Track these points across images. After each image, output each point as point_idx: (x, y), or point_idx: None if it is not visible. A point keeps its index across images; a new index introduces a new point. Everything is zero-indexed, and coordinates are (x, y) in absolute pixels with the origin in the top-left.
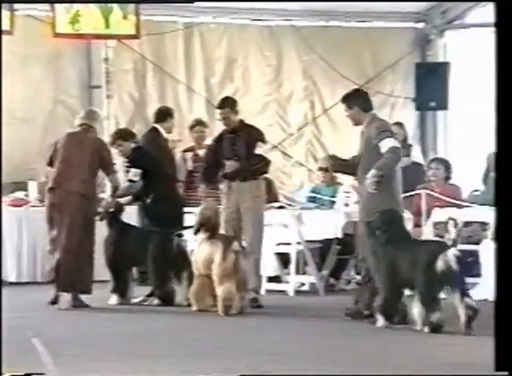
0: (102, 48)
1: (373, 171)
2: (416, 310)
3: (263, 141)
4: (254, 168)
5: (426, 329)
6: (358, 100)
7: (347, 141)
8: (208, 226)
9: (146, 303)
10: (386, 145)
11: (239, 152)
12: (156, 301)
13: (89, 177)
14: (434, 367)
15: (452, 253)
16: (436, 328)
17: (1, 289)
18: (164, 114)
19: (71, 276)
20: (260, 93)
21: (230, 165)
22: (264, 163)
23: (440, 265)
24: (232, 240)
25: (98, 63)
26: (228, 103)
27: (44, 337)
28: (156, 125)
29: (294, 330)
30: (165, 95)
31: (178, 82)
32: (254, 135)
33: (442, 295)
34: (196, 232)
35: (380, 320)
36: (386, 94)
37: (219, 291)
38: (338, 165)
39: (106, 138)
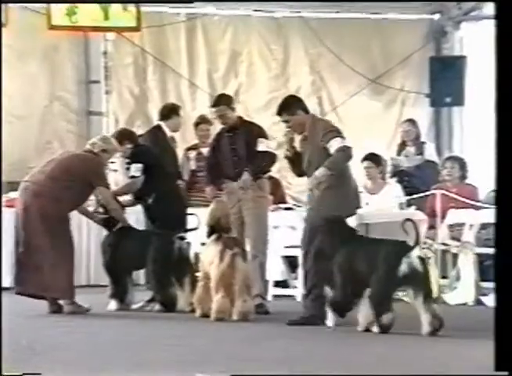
0: (100, 42)
1: (321, 170)
2: (364, 311)
3: (265, 137)
4: (257, 167)
5: (375, 329)
6: (298, 104)
7: (357, 139)
8: (218, 228)
9: (147, 309)
10: (334, 145)
11: (239, 151)
12: (157, 306)
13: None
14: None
15: (415, 254)
16: (386, 329)
17: (1, 292)
18: (168, 111)
19: (41, 280)
20: (265, 88)
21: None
22: (267, 161)
23: (403, 267)
24: (233, 242)
25: (96, 57)
26: (223, 100)
27: (36, 344)
28: (161, 123)
29: (302, 338)
30: (167, 91)
31: (181, 77)
32: (254, 132)
33: (407, 299)
34: (209, 234)
35: (332, 318)
36: (397, 89)
37: (214, 299)
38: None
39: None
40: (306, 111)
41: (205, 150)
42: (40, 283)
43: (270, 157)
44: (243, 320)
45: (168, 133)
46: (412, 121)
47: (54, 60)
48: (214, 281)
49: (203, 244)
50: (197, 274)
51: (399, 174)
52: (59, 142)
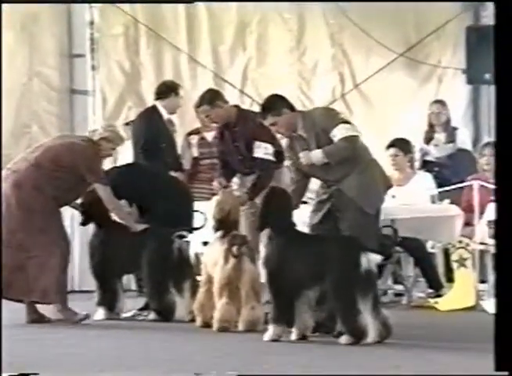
0: (85, 10)
1: (317, 153)
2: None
3: (263, 139)
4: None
5: (344, 340)
6: (282, 102)
7: (383, 121)
8: (226, 222)
9: (139, 318)
10: (338, 134)
11: (242, 150)
12: (152, 315)
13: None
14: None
15: (367, 252)
16: (360, 336)
17: (1, 292)
18: (165, 90)
19: (24, 282)
20: (278, 64)
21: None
22: (263, 174)
23: (363, 267)
24: (240, 240)
25: (81, 27)
26: (204, 100)
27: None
28: (156, 103)
29: (315, 353)
30: (163, 67)
31: (179, 51)
32: (249, 132)
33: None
34: (217, 229)
35: (271, 331)
36: (432, 65)
37: (217, 305)
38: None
39: (91, 116)
40: (292, 109)
41: (209, 135)
42: (22, 286)
43: (266, 169)
44: (251, 330)
45: (165, 115)
46: (442, 103)
47: (32, 32)
48: (218, 285)
49: (204, 243)
50: (198, 278)
51: (428, 165)
52: (38, 125)
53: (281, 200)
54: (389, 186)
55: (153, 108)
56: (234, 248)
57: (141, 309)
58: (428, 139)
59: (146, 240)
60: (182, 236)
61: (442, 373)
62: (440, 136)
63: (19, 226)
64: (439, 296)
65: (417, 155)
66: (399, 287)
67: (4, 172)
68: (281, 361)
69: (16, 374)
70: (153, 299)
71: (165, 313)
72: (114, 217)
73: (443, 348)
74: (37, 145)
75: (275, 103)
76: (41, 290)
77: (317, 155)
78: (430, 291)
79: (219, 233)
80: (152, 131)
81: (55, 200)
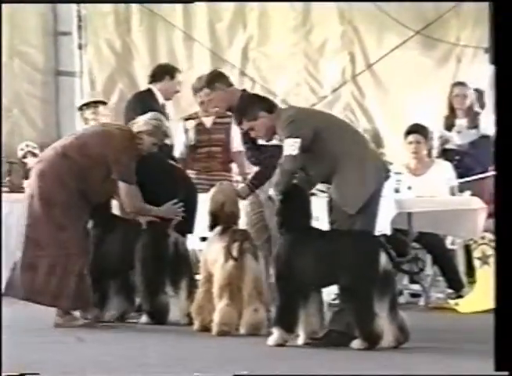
0: None
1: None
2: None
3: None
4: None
5: (356, 344)
6: (259, 104)
7: (397, 105)
8: (222, 216)
9: (130, 321)
10: (285, 151)
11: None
12: (144, 318)
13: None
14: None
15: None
16: (376, 341)
17: (1, 291)
18: (159, 72)
19: (33, 281)
20: (282, 43)
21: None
22: (263, 168)
23: (381, 266)
24: (241, 236)
25: (67, 3)
26: (204, 83)
27: None
28: (151, 86)
29: (323, 359)
30: (156, 46)
31: (174, 28)
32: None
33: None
34: (212, 226)
35: (276, 334)
36: (451, 43)
37: (217, 307)
38: None
39: (78, 100)
40: (270, 110)
41: (208, 121)
42: (28, 285)
43: (271, 159)
44: (253, 334)
45: (161, 100)
46: (464, 85)
47: (14, 7)
48: (218, 285)
49: (203, 239)
50: (197, 277)
51: (448, 153)
52: (20, 108)
53: (300, 199)
54: (387, 177)
55: (149, 91)
56: (234, 247)
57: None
58: (449, 125)
59: (139, 235)
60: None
61: None
62: (462, 122)
63: (38, 220)
64: (460, 297)
65: (436, 142)
66: (416, 287)
67: (33, 162)
68: (286, 367)
69: (15, 374)
70: (146, 300)
71: (158, 315)
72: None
73: (464, 353)
74: (71, 133)
75: (250, 106)
76: (51, 292)
77: (272, 194)
78: (450, 291)
79: (218, 229)
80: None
81: (79, 194)
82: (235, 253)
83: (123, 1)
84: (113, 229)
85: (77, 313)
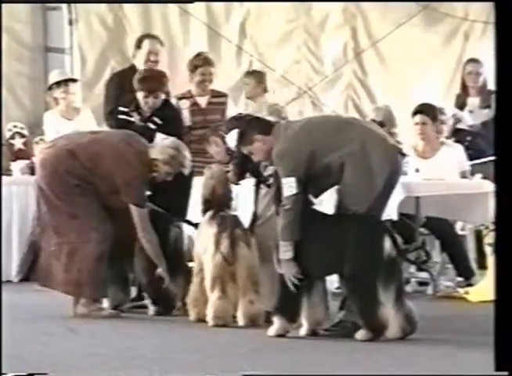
0: None
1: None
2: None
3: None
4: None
5: (360, 335)
6: (255, 127)
7: (402, 84)
8: (213, 200)
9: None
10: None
11: None
12: (152, 308)
13: None
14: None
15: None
16: (380, 331)
17: (1, 289)
18: (138, 42)
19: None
20: (280, 18)
21: None
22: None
23: (386, 252)
24: (232, 222)
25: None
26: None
27: None
28: (135, 62)
29: (326, 350)
30: (151, 21)
31: (168, 2)
32: None
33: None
34: (204, 211)
35: (276, 324)
36: (458, 18)
37: (209, 300)
38: None
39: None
40: (266, 131)
41: (202, 100)
42: (56, 274)
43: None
44: (251, 326)
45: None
46: (478, 62)
47: None
48: (209, 277)
49: (196, 224)
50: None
51: (459, 133)
52: (6, 87)
53: None
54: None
55: (132, 68)
56: (224, 236)
57: (133, 300)
58: (460, 104)
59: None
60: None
61: (476, 373)
62: (474, 101)
63: (53, 208)
64: (470, 285)
65: (450, 122)
66: (424, 275)
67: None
68: (287, 359)
69: (23, 374)
70: (150, 290)
71: (164, 304)
72: None
73: (474, 344)
74: (86, 131)
75: (245, 130)
76: (74, 281)
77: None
78: (460, 279)
79: (208, 214)
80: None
81: (83, 187)
82: (225, 243)
83: (122, 1)
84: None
85: (103, 303)
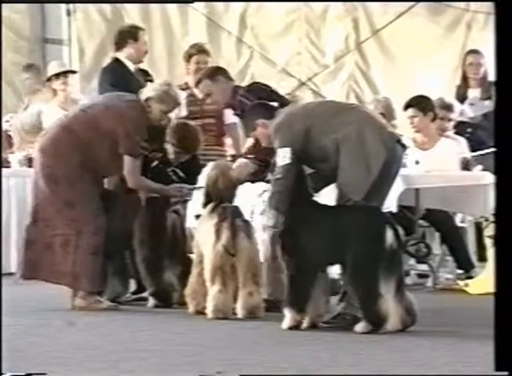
0: None
1: None
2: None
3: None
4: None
5: (360, 327)
6: (257, 111)
7: (404, 75)
8: (215, 193)
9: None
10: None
11: None
12: (151, 300)
13: None
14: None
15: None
16: (381, 323)
17: (1, 287)
18: (123, 38)
19: (51, 261)
20: (281, 8)
21: None
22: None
23: (388, 243)
24: (233, 213)
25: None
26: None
27: None
28: (117, 55)
29: (325, 341)
30: (149, 11)
31: (168, 2)
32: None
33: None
34: (205, 203)
35: (288, 317)
36: (460, 8)
37: (209, 293)
38: None
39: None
40: (270, 116)
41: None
42: (50, 267)
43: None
44: (251, 318)
45: (131, 66)
46: (478, 53)
47: None
48: (209, 268)
49: (197, 216)
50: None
51: (459, 126)
52: (5, 78)
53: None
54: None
55: (116, 60)
56: (225, 226)
57: (134, 293)
58: (461, 95)
59: (136, 212)
60: (177, 212)
61: (476, 366)
62: (475, 92)
63: (46, 199)
64: (470, 277)
65: (455, 115)
66: (424, 267)
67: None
68: (287, 352)
69: (22, 374)
70: (149, 282)
71: (164, 296)
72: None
73: (475, 336)
74: (79, 105)
75: (247, 116)
76: (70, 273)
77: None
78: (460, 271)
79: (209, 206)
80: (119, 87)
81: (83, 168)
82: (226, 233)
83: (122, 1)
84: (111, 207)
85: (101, 296)
